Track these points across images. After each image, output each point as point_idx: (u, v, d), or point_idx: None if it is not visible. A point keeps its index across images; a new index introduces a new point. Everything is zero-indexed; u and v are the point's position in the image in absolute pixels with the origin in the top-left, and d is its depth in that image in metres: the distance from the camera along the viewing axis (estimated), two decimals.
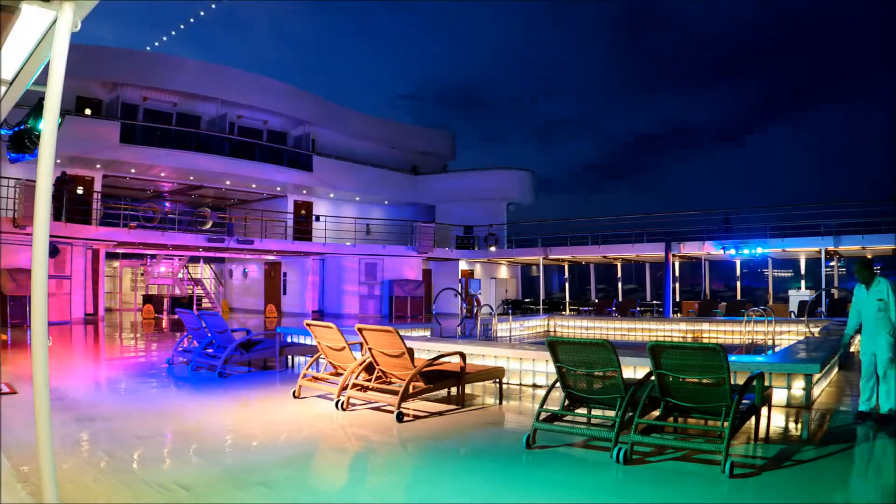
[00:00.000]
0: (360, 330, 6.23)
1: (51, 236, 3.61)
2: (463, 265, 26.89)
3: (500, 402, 6.57)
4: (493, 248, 26.71)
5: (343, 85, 70.65)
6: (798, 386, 6.09)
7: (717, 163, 71.48)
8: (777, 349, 10.71)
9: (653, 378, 4.61)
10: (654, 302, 22.47)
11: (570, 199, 72.40)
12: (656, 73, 74.06)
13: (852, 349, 10.53)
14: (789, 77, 67.06)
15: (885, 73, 54.13)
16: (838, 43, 62.38)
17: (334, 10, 69.30)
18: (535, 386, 7.45)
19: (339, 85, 69.02)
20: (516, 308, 24.22)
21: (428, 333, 11.59)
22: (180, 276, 24.39)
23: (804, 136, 65.74)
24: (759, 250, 20.13)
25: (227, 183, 23.13)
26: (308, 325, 6.97)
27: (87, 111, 20.55)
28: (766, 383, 5.33)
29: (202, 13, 19.38)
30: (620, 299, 22.95)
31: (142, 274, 25.92)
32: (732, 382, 4.36)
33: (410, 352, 6.04)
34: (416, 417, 5.82)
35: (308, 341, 9.86)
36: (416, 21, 72.75)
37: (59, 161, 18.42)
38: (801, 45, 64.71)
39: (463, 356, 6.47)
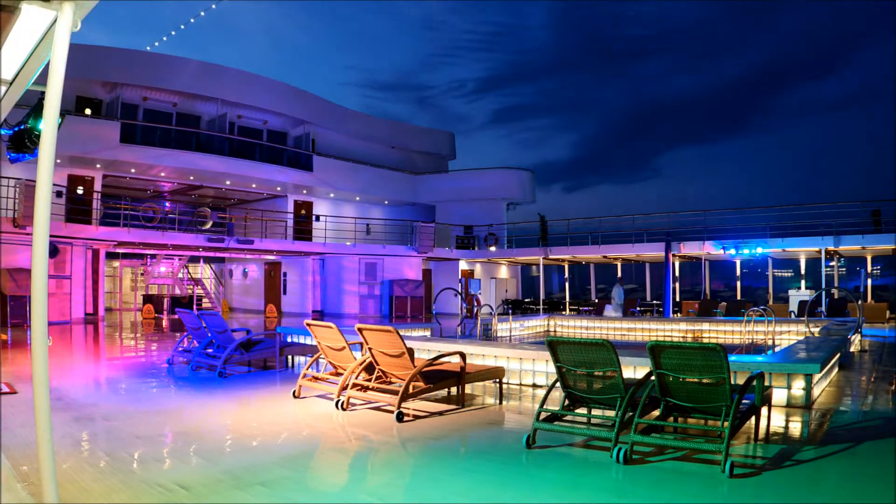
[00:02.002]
0: (360, 330, 6.23)
1: (51, 236, 3.61)
2: (463, 265, 26.89)
3: (500, 402, 6.57)
4: (493, 248, 26.72)
5: (294, 70, 67.66)
6: (798, 386, 6.10)
7: (709, 152, 69.36)
8: (777, 349, 10.71)
9: (653, 378, 4.60)
10: (654, 302, 22.48)
11: (545, 201, 70.72)
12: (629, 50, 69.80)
13: (852, 349, 10.53)
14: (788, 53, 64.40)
15: (884, 68, 53.29)
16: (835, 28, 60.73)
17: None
18: (535, 386, 7.45)
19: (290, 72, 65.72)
20: (516, 308, 24.23)
21: (428, 333, 11.59)
22: (180, 276, 24.40)
23: (801, 132, 64.61)
24: (759, 250, 20.14)
25: (227, 183, 23.13)
26: (308, 325, 6.97)
27: (87, 111, 20.56)
28: (766, 383, 5.33)
29: (202, 13, 19.34)
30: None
31: (142, 274, 25.93)
32: (732, 382, 4.36)
33: (410, 352, 6.04)
34: (416, 417, 5.82)
35: (308, 341, 9.86)
36: (369, 7, 69.88)
37: (59, 161, 18.43)
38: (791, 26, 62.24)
39: (463, 356, 6.47)
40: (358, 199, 26.98)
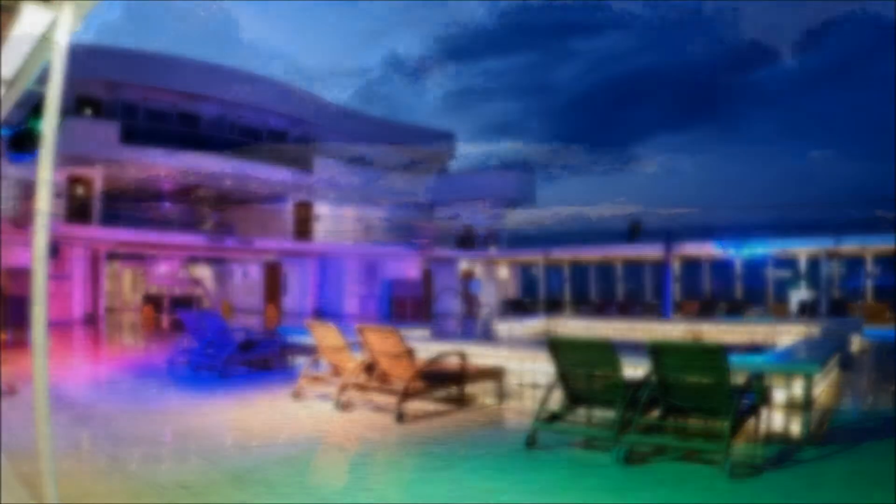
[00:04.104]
0: (360, 330, 6.22)
1: (51, 236, 3.61)
2: (463, 265, 26.88)
3: (500, 402, 6.57)
4: (493, 248, 26.71)
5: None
6: (798, 386, 6.09)
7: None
8: (777, 349, 10.70)
9: (653, 378, 4.60)
10: (654, 302, 22.46)
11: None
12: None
13: (852, 349, 10.52)
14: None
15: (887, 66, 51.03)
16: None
17: None
18: (535, 386, 7.44)
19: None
20: (516, 308, 24.21)
21: (428, 333, 11.57)
22: (180, 276, 24.40)
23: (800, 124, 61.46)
24: (759, 250, 20.13)
25: (227, 183, 23.12)
26: (308, 325, 6.97)
27: (88, 111, 20.55)
28: (766, 383, 5.33)
29: (202, 12, 19.35)
30: (620, 299, 22.93)
31: (142, 274, 25.93)
32: (732, 382, 4.36)
33: (410, 352, 6.04)
34: (416, 417, 5.82)
35: (308, 341, 9.84)
36: None
37: (59, 161, 18.41)
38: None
39: (463, 356, 6.47)
40: (358, 199, 26.97)
